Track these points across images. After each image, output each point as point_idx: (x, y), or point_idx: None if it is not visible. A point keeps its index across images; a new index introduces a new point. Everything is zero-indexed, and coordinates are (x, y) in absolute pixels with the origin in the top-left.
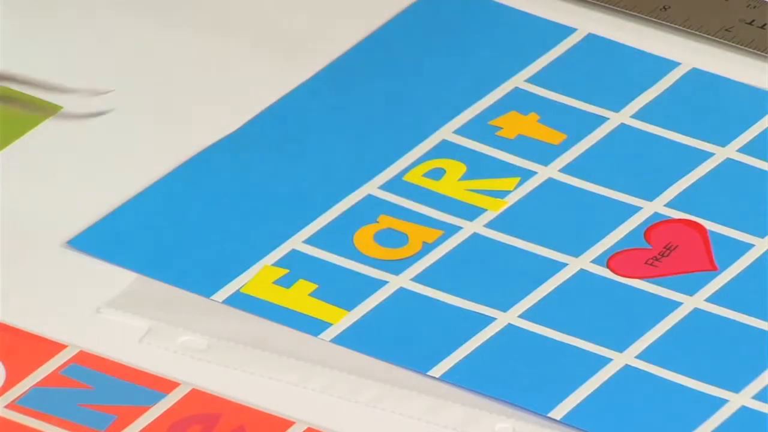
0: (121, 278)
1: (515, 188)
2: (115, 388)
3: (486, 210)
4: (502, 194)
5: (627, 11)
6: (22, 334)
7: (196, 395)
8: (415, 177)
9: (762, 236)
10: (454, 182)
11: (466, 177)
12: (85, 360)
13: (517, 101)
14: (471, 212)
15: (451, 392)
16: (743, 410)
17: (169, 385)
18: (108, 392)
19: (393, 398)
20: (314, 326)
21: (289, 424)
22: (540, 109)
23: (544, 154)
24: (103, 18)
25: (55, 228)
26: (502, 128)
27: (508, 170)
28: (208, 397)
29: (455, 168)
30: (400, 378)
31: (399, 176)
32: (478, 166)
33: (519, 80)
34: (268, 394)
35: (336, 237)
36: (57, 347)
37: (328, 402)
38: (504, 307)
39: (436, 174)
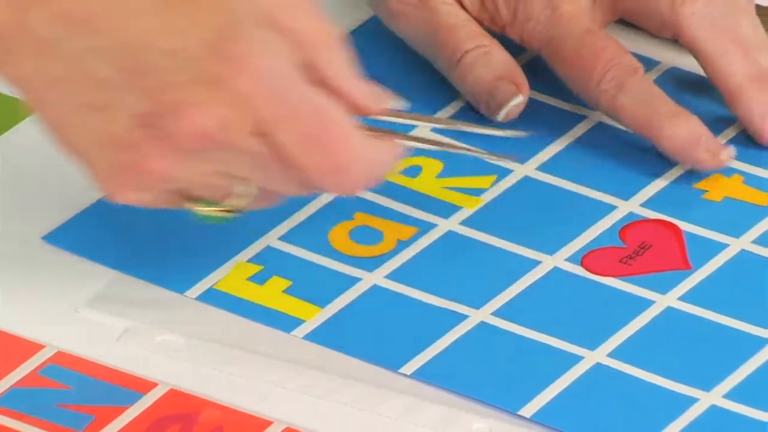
0: (98, 277)
1: (491, 186)
2: (93, 388)
3: (462, 208)
4: (478, 192)
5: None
6: (0, 334)
7: (174, 395)
8: (391, 174)
9: (737, 236)
10: (430, 180)
11: (442, 174)
12: (63, 360)
13: None
14: (446, 210)
15: (429, 392)
16: (713, 409)
17: (147, 385)
18: (86, 392)
19: (371, 398)
20: (287, 323)
21: (268, 423)
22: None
23: (523, 153)
24: None
25: (33, 225)
26: None
27: (484, 168)
28: (186, 397)
29: (432, 165)
30: (378, 377)
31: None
32: (454, 164)
33: None
34: (247, 393)
35: (311, 234)
36: (35, 347)
37: (307, 401)
38: (477, 305)
39: (413, 171)
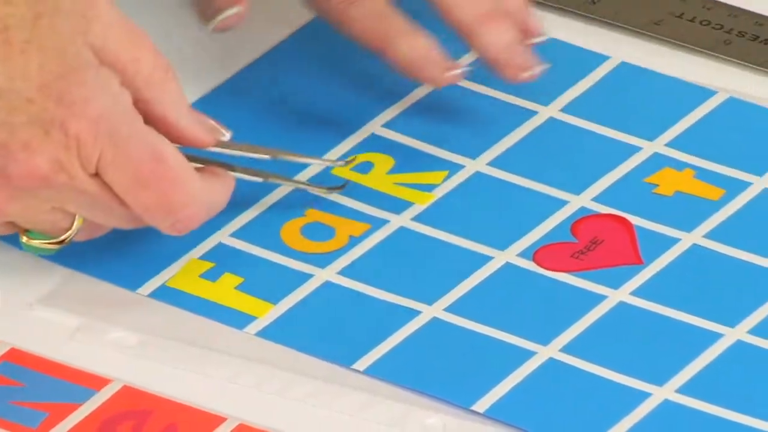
0: (51, 275)
1: (443, 182)
2: (46, 386)
3: (413, 204)
4: (429, 188)
5: (556, 5)
6: None
7: (127, 392)
8: (343, 170)
9: (689, 231)
10: (382, 176)
11: (394, 171)
12: (16, 357)
13: (444, 94)
14: (398, 206)
15: (381, 388)
16: (666, 404)
17: (100, 382)
18: (39, 389)
19: (325, 394)
20: (240, 320)
21: (221, 420)
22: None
23: (473, 148)
24: None
25: None
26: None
27: (436, 164)
28: (140, 394)
29: (383, 161)
30: (331, 373)
31: (327, 170)
32: (406, 160)
33: None
34: (200, 390)
35: (263, 230)
36: None
37: (260, 398)
38: (429, 301)
39: (365, 167)
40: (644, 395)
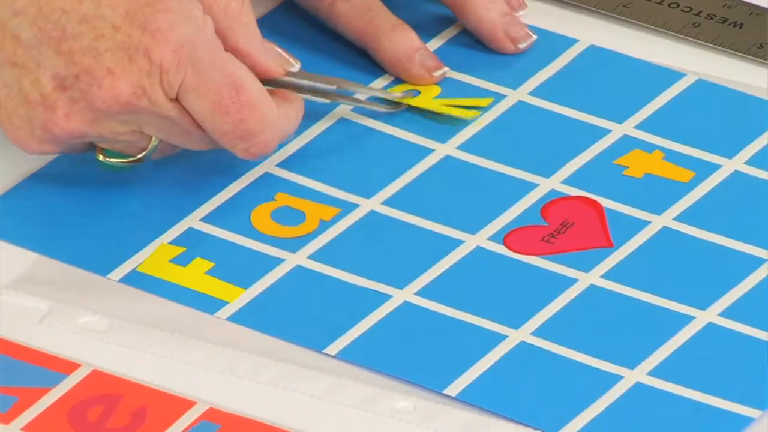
0: (21, 260)
1: (413, 166)
2: (15, 370)
3: (383, 187)
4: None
5: None
6: None
7: (97, 376)
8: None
9: (659, 213)
10: (430, 100)
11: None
12: None
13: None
14: (368, 189)
15: (352, 372)
16: (638, 386)
17: (70, 366)
18: (8, 374)
19: (294, 378)
20: (211, 304)
21: (191, 404)
22: (441, 85)
23: (443, 132)
24: None
25: None
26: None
27: (406, 148)
28: (109, 378)
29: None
30: (301, 357)
31: (298, 153)
32: (376, 146)
33: None
34: (170, 374)
35: (233, 215)
36: None
37: (229, 382)
38: (401, 285)
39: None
40: (616, 378)
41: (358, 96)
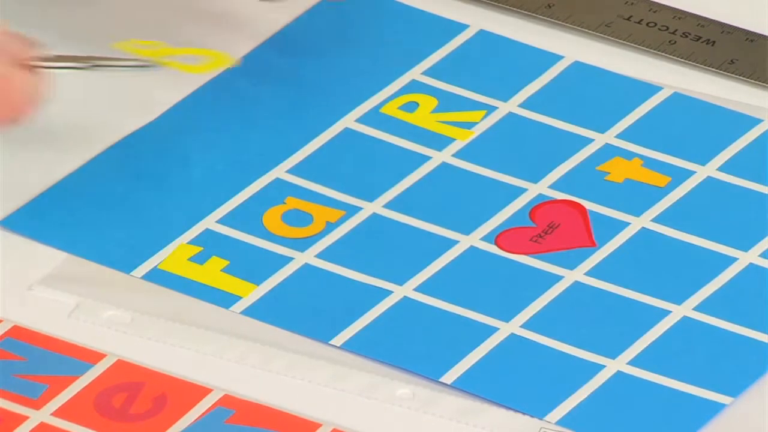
0: (51, 257)
1: (412, 172)
2: (46, 360)
3: (385, 192)
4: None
5: (514, 9)
6: None
7: (121, 365)
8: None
9: (638, 215)
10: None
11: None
12: (18, 334)
13: (417, 90)
14: (371, 194)
15: (356, 361)
16: (619, 374)
17: (96, 356)
18: (40, 363)
19: (302, 367)
20: (225, 299)
21: (208, 391)
22: (438, 97)
23: (439, 141)
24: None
25: None
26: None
27: (405, 156)
28: (132, 367)
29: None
30: (309, 348)
31: (306, 161)
32: (376, 153)
33: (416, 73)
34: (188, 364)
35: (246, 217)
36: None
37: (243, 370)
38: (400, 281)
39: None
40: (599, 367)
41: (114, 65)
